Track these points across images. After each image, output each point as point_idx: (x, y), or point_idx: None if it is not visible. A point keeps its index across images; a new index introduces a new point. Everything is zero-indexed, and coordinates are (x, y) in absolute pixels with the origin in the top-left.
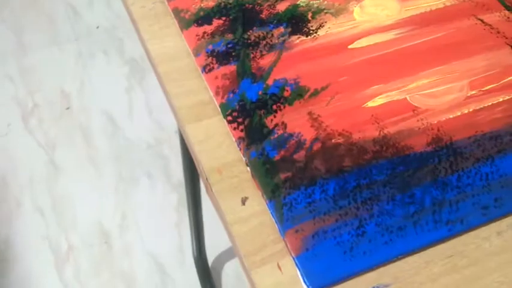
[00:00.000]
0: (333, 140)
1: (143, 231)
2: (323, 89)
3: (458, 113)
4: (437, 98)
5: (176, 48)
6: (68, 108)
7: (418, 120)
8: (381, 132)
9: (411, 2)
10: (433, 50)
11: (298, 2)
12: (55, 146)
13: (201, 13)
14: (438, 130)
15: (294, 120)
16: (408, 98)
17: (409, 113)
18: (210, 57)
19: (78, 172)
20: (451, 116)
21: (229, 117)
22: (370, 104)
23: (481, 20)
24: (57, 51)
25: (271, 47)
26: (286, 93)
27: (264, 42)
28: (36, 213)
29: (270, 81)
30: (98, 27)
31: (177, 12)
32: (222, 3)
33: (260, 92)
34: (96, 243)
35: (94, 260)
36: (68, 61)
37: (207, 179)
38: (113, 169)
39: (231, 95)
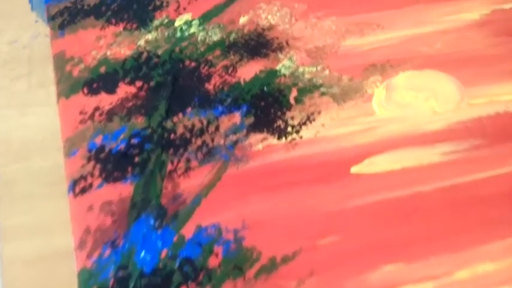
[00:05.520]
0: None
1: None
2: (286, 260)
3: None
4: None
5: (42, 131)
6: None
7: None
8: None
9: (482, 88)
10: None
11: (277, 67)
12: None
13: (102, 68)
14: None
15: None
16: None
17: None
18: (93, 162)
19: None
20: None
21: None
22: None
23: None
24: None
25: (209, 153)
26: (212, 261)
27: (200, 140)
28: None
29: (188, 229)
30: None
31: (61, 61)
32: (145, 53)
33: (164, 253)
34: None
35: None
36: None
37: None
38: None
39: (107, 253)
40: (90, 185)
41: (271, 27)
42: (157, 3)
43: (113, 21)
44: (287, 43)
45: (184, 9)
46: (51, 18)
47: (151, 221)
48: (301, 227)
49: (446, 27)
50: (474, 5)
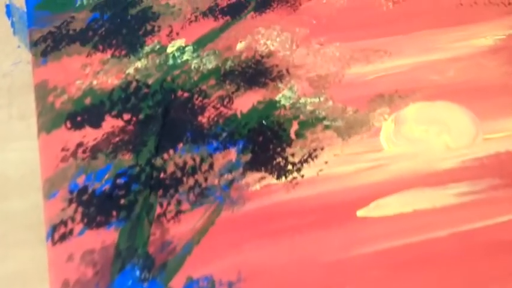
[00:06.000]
0: None
1: None
2: None
3: None
4: None
5: (21, 167)
6: None
7: None
8: None
9: (499, 121)
10: None
11: (277, 97)
12: None
13: (87, 100)
14: None
15: None
16: None
17: None
18: (74, 205)
19: None
20: None
21: None
22: None
23: None
24: None
25: (202, 195)
26: None
27: (192, 180)
28: None
29: (177, 282)
30: None
31: (42, 91)
32: (134, 83)
33: None
34: None
35: None
36: None
37: None
38: None
39: None
40: (71, 232)
41: (270, 54)
42: (149, 27)
43: (100, 47)
44: (287, 71)
45: (177, 34)
46: (33, 44)
47: (137, 273)
48: (302, 278)
49: (458, 54)
50: (487, 29)
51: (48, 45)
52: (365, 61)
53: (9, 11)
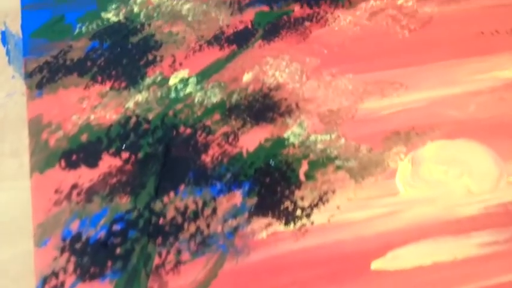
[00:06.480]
0: None
1: None
2: None
3: None
4: None
5: (11, 210)
6: None
7: None
8: None
9: None
10: None
11: (286, 134)
12: None
13: (83, 136)
14: None
15: None
16: None
17: None
18: (66, 254)
19: None
20: None
21: None
22: None
23: None
24: None
25: (203, 243)
26: None
27: (193, 227)
28: None
29: None
30: None
31: (36, 127)
32: (133, 118)
33: None
34: None
35: None
36: None
37: None
38: None
39: None
40: (62, 285)
41: (278, 87)
42: (150, 57)
43: (99, 78)
44: (297, 106)
45: (181, 64)
46: (28, 75)
47: None
48: None
49: (480, 88)
50: (511, 60)
51: (44, 76)
52: (379, 94)
53: (4, 37)
